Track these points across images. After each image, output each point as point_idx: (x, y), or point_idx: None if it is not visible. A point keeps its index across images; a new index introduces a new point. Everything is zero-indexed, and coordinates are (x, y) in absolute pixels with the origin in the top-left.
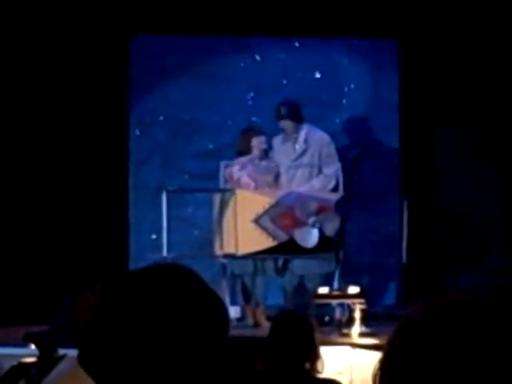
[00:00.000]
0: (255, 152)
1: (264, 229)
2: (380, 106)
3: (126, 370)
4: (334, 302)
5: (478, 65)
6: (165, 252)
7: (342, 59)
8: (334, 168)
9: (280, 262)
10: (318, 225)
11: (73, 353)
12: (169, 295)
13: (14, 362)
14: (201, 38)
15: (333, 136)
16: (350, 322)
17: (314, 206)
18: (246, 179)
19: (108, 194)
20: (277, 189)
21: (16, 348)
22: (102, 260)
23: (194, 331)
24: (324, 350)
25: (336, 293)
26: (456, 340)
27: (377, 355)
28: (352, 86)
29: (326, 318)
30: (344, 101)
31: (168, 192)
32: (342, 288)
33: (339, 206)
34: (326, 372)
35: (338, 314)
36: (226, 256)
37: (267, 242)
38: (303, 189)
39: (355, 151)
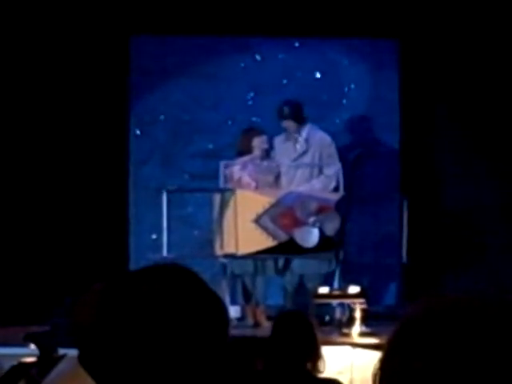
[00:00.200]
0: (256, 152)
1: (264, 229)
2: (380, 106)
3: (125, 370)
4: (335, 301)
5: (477, 64)
6: (165, 252)
7: (342, 59)
8: (334, 169)
9: (280, 262)
10: (318, 224)
11: (73, 353)
12: (169, 295)
13: (14, 362)
14: (201, 38)
15: (333, 136)
16: (351, 321)
17: (314, 206)
18: (246, 179)
19: (108, 194)
20: (277, 189)
21: (16, 348)
22: (102, 260)
23: (194, 331)
24: (324, 350)
25: (336, 292)
26: (455, 340)
27: (377, 355)
28: (352, 86)
29: (327, 318)
30: (344, 101)
31: (168, 192)
32: (343, 288)
33: (339, 206)
34: (326, 372)
35: (338, 313)
36: (226, 256)
37: (267, 242)
38: (303, 189)
39: (355, 151)
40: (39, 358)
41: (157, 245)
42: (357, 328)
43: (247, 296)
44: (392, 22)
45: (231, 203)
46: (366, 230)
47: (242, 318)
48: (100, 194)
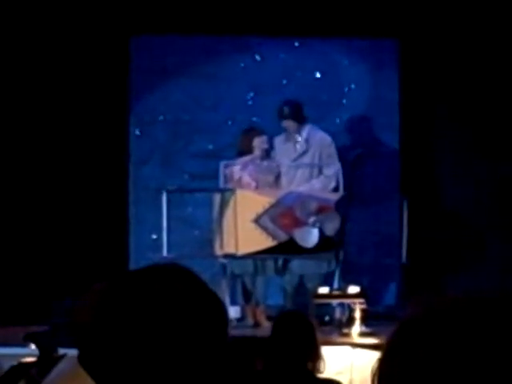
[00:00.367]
0: (256, 152)
1: (264, 229)
2: (380, 106)
3: (126, 370)
4: (334, 301)
5: (478, 64)
6: (165, 252)
7: (342, 59)
8: (334, 169)
9: (280, 262)
10: (318, 225)
11: (73, 353)
12: (168, 295)
13: (14, 362)
14: (201, 37)
15: (333, 136)
16: (350, 321)
17: (314, 206)
18: (247, 179)
19: (108, 194)
20: (277, 189)
21: (16, 348)
22: (102, 260)
23: (194, 331)
24: (324, 350)
25: (336, 293)
26: (455, 340)
27: (377, 355)
28: (352, 85)
29: (326, 318)
30: (344, 101)
31: (168, 192)
32: (342, 288)
33: (339, 206)
34: (326, 372)
35: (338, 313)
36: (226, 256)
37: (267, 242)
38: (303, 189)
39: (355, 151)
40: (39, 357)
41: (157, 245)
42: (357, 328)
43: (247, 296)
44: (392, 21)
45: (231, 203)
46: (366, 230)
47: (241, 318)
48: (100, 194)
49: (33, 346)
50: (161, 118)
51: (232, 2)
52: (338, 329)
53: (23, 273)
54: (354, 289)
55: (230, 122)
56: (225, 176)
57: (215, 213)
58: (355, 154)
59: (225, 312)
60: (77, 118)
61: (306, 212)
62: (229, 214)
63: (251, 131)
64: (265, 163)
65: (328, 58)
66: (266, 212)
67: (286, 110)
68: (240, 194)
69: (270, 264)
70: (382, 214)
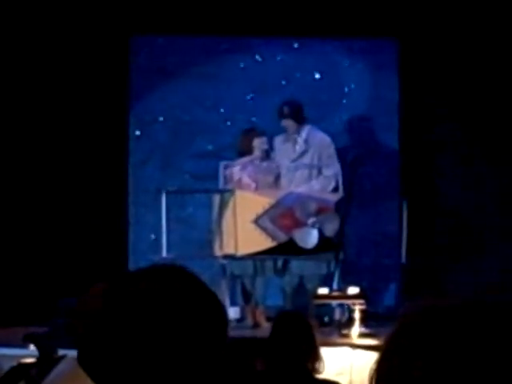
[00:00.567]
0: (256, 153)
1: (264, 229)
2: (380, 106)
3: (125, 371)
4: (334, 302)
5: (477, 64)
6: (164, 252)
7: (342, 59)
8: (333, 170)
9: (279, 263)
10: (317, 225)
11: (72, 353)
12: (168, 296)
13: (14, 363)
14: (201, 38)
15: (333, 136)
16: (350, 322)
17: (313, 207)
18: (246, 180)
19: (107, 195)
20: (277, 189)
21: (16, 349)
22: (101, 260)
23: (193, 332)
24: (324, 351)
25: (336, 293)
26: (453, 341)
27: (376, 356)
28: (352, 86)
29: (326, 319)
30: (344, 101)
31: (167, 192)
32: (342, 288)
33: (339, 207)
34: (325, 373)
35: (337, 314)
36: (226, 256)
37: (267, 243)
38: (303, 189)
39: (355, 151)
40: (39, 358)
41: (156, 245)
42: (356, 329)
43: (247, 297)
44: (392, 21)
45: (231, 204)
46: (366, 230)
47: (241, 319)
48: (99, 194)
49: (32, 347)
50: (160, 118)
51: (232, 2)
52: (338, 330)
53: (23, 273)
54: (353, 289)
55: (229, 123)
56: (224, 177)
57: (215, 213)
58: (355, 155)
59: (224, 313)
60: (76, 119)
61: (305, 213)
62: (228, 214)
63: (251, 132)
64: (264, 164)
65: (328, 59)
66: (265, 213)
67: (286, 109)
68: (240, 194)
69: (269, 265)
70: (382, 214)
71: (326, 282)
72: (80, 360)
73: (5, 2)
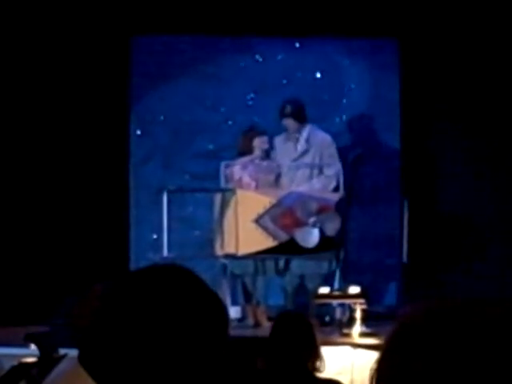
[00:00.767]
0: (257, 152)
1: (264, 229)
2: (380, 106)
3: (126, 370)
4: (335, 301)
5: (478, 64)
6: (165, 252)
7: (343, 59)
8: (334, 169)
9: (280, 262)
10: (318, 225)
11: (73, 353)
12: (169, 295)
13: (15, 362)
14: (201, 38)
15: (333, 136)
16: (351, 321)
17: (314, 206)
18: (247, 179)
19: (108, 194)
20: (277, 189)
21: (16, 348)
22: (102, 260)
23: (194, 331)
24: (325, 350)
25: (336, 293)
26: (453, 341)
27: (377, 355)
28: (352, 85)
29: (327, 318)
30: (344, 100)
31: (169, 192)
32: (343, 288)
33: (340, 206)
34: (326, 372)
35: (338, 313)
36: (227, 256)
37: (268, 242)
38: (304, 189)
39: (356, 151)
40: (39, 358)
41: (157, 245)
42: (357, 328)
43: (248, 296)
44: (392, 21)
45: (232, 203)
46: (367, 229)
47: (242, 319)
48: (100, 193)
49: (33, 347)
50: (161, 117)
51: (232, 2)
52: (339, 329)
53: (24, 273)
54: (354, 289)
55: (230, 122)
56: (225, 176)
57: (216, 213)
58: (355, 154)
59: (225, 312)
60: (77, 118)
61: (306, 212)
62: (229, 214)
63: (251, 131)
64: (265, 163)
65: (328, 58)
66: (266, 212)
67: (288, 108)
68: (241, 194)
69: (270, 264)
70: (383, 214)
71: (327, 281)
72: (81, 359)
73: (5, 2)
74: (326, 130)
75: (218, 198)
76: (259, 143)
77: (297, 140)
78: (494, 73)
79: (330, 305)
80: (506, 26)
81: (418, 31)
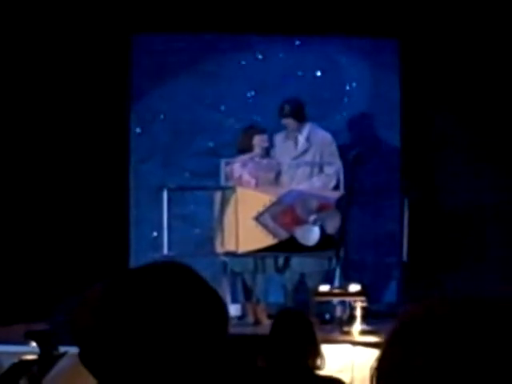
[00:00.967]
0: (256, 150)
1: (265, 226)
2: (381, 105)
3: (126, 368)
4: (335, 299)
5: (478, 63)
6: (165, 250)
7: (343, 58)
8: (335, 167)
9: (280, 260)
10: (318, 223)
11: (74, 350)
12: (168, 293)
13: (15, 360)
14: (202, 36)
15: (334, 134)
16: (351, 319)
17: (314, 204)
18: (246, 177)
19: (108, 192)
20: (277, 186)
21: (17, 346)
22: (102, 258)
23: (194, 329)
24: (325, 348)
25: (337, 291)
26: (454, 340)
27: (377, 353)
28: (353, 84)
29: (327, 316)
30: (345, 99)
31: (169, 190)
32: (343, 286)
33: (340, 204)
34: (326, 370)
35: (338, 311)
36: (227, 254)
37: (268, 240)
38: (304, 187)
39: (356, 149)
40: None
41: (157, 243)
42: (357, 326)
43: (248, 294)
44: (392, 21)
45: (232, 201)
46: (367, 228)
47: (242, 316)
48: (101, 192)
49: (34, 344)
50: (161, 116)
51: (233, 0)
52: (339, 327)
53: (24, 271)
54: (354, 287)
55: (230, 121)
56: (225, 174)
57: (216, 211)
58: (356, 153)
59: (225, 310)
60: (77, 117)
61: (306, 210)
62: (230, 211)
63: (251, 129)
64: (265, 161)
65: (329, 57)
66: (266, 210)
67: (287, 108)
68: (241, 191)
69: (269, 262)
70: (383, 212)
71: (327, 279)
72: (81, 357)
73: (5, 2)
74: (327, 129)
75: (218, 195)
76: (259, 141)
77: (297, 138)
78: (494, 72)
79: (330, 303)
80: (506, 26)
81: (418, 31)
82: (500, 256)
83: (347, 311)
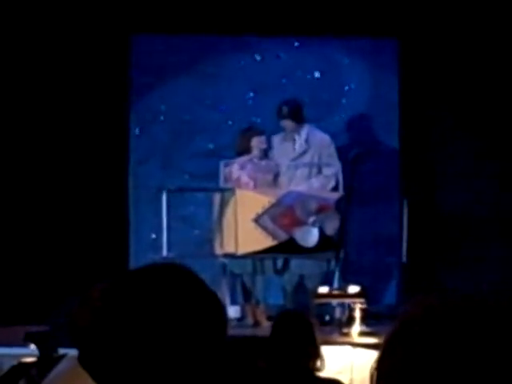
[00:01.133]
0: (255, 152)
1: (264, 228)
2: (380, 106)
3: (125, 370)
4: (334, 301)
5: (478, 64)
6: (165, 252)
7: (342, 59)
8: (333, 169)
9: (279, 262)
10: (318, 224)
11: (73, 353)
12: (167, 295)
13: (15, 362)
14: (201, 37)
15: (333, 135)
16: (350, 321)
17: (314, 206)
18: (245, 178)
19: (108, 194)
20: (276, 188)
21: (16, 348)
22: (102, 260)
23: (193, 330)
24: (324, 350)
25: (336, 292)
26: (453, 339)
27: (377, 354)
28: (352, 85)
29: (327, 318)
30: (344, 100)
31: (168, 191)
32: (342, 287)
33: (339, 205)
34: (326, 371)
35: (338, 313)
36: (226, 255)
37: (267, 242)
38: (302, 188)
39: (355, 151)
40: (39, 357)
41: (157, 244)
42: (357, 327)
43: (247, 295)
44: (392, 21)
45: (231, 203)
46: (366, 229)
47: (241, 318)
48: (100, 193)
49: (33, 346)
50: (161, 117)
51: (232, 1)
52: (338, 328)
53: (23, 272)
54: (354, 288)
55: (230, 122)
56: (225, 176)
57: (215, 212)
58: (355, 154)
59: (224, 311)
60: (77, 117)
61: (306, 211)
62: (229, 213)
63: (249, 131)
64: (263, 163)
65: (328, 58)
66: (266, 211)
67: (285, 109)
68: (240, 193)
69: (268, 264)
70: (382, 213)
71: (327, 280)
72: (80, 359)
73: (5, 1)
74: (325, 130)
75: (217, 197)
76: (257, 143)
77: (295, 140)
78: (494, 73)
79: (329, 304)
80: (506, 26)
81: (418, 31)
82: (500, 256)
83: (346, 313)
